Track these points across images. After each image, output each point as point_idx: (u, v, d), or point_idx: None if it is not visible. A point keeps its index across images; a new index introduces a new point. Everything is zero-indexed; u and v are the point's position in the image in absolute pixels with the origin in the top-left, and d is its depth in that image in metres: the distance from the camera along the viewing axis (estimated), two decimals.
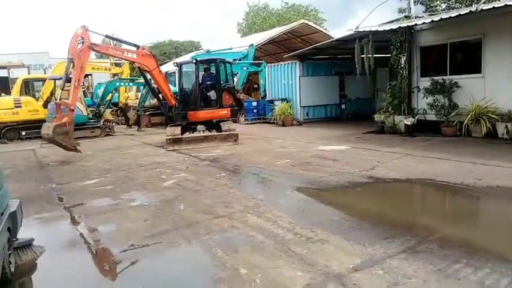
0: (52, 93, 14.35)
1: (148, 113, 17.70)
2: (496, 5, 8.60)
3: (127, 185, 6.65)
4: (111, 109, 18.48)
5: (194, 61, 11.59)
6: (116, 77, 17.69)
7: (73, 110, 9.33)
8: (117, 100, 18.75)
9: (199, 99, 11.33)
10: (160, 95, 11.56)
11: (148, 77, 11.44)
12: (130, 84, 18.43)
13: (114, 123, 16.59)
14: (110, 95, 16.48)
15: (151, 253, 3.84)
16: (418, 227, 4.20)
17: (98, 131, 14.52)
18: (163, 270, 3.54)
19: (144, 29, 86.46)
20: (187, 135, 11.12)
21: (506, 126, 9.06)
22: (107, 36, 11.00)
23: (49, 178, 7.56)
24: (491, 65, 9.76)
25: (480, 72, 10.02)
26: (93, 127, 14.55)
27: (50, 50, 41.69)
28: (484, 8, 8.48)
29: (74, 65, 9.45)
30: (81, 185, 6.84)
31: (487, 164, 6.75)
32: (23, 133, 14.28)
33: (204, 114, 11.38)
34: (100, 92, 18.49)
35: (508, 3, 8.28)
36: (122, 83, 17.32)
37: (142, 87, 17.34)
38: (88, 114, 14.63)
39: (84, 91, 16.62)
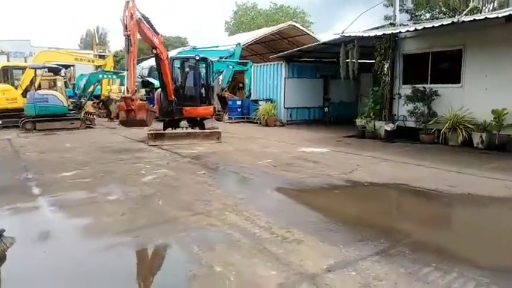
0: (32, 82, 13.99)
1: None
2: (476, 18, 8.89)
3: (105, 178, 6.55)
4: (92, 101, 18.16)
5: (197, 57, 11.70)
6: (99, 69, 17.37)
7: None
8: (99, 92, 18.43)
9: (198, 96, 11.51)
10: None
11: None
12: (114, 77, 18.17)
13: (95, 116, 16.30)
14: (92, 87, 16.18)
15: (126, 248, 3.80)
16: (392, 230, 4.30)
17: (78, 123, 14.25)
18: (138, 266, 3.51)
19: None
20: (169, 131, 11.04)
21: (481, 136, 9.36)
22: (142, 16, 9.96)
23: (25, 168, 7.38)
24: (470, 75, 10.06)
25: (459, 82, 10.31)
26: (73, 119, 14.26)
27: (31, 38, 40.63)
28: (466, 19, 8.75)
29: (130, 43, 8.97)
30: (57, 176, 6.70)
31: (461, 172, 6.96)
32: (0, 122, 13.87)
33: (204, 110, 11.55)
34: (82, 83, 18.14)
35: (488, 16, 8.58)
36: (105, 76, 17.04)
37: (125, 80, 17.11)
38: (68, 105, 14.33)
39: (65, 81, 16.28)
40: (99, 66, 18.12)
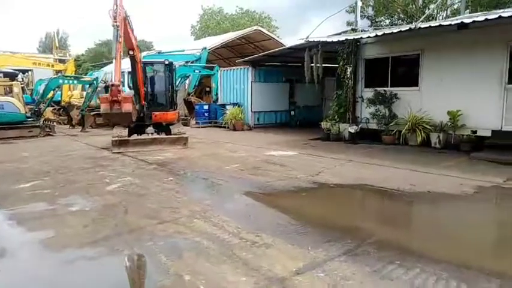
0: None
1: (93, 113, 16.92)
2: (432, 24, 9.35)
3: (67, 188, 6.29)
4: (52, 107, 17.43)
5: (166, 62, 11.67)
6: (59, 74, 16.69)
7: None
8: (59, 98, 17.71)
9: (167, 101, 11.48)
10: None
11: None
12: (75, 82, 17.52)
13: (55, 123, 15.62)
14: (52, 92, 15.50)
15: (89, 260, 3.67)
16: (358, 230, 4.42)
17: (36, 131, 13.60)
18: (104, 278, 3.40)
19: (93, 25, 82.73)
20: (134, 137, 10.79)
21: (439, 136, 9.83)
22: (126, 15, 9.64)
23: None
24: (427, 78, 10.56)
25: (417, 86, 10.79)
26: (31, 126, 13.60)
27: None
28: (422, 26, 9.18)
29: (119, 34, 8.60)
30: (14, 188, 6.36)
31: (420, 171, 7.28)
32: None
33: (171, 115, 11.49)
34: (41, 89, 17.36)
35: (443, 23, 9.05)
36: (66, 81, 16.38)
37: (87, 85, 16.57)
38: (26, 112, 13.67)
39: (22, 87, 15.52)
40: (59, 71, 17.40)
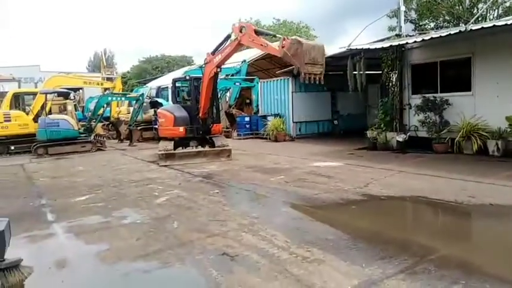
0: (43, 107, 14.19)
1: (140, 127, 17.62)
2: (484, 25, 8.83)
3: (118, 202, 6.53)
4: (102, 123, 18.34)
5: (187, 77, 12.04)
6: (107, 91, 17.59)
7: None
8: (108, 114, 18.63)
9: (216, 113, 11.71)
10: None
11: None
12: (123, 98, 18.37)
13: (105, 138, 16.42)
14: (102, 109, 16.36)
15: (144, 274, 3.74)
16: (415, 246, 4.17)
17: (89, 146, 14.34)
18: None
19: (136, 43, 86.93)
20: (180, 150, 11.05)
21: (497, 144, 9.19)
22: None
23: (38, 194, 7.40)
24: (481, 83, 9.96)
25: (470, 90, 10.20)
26: (84, 142, 14.37)
27: (40, 63, 41.56)
28: (473, 28, 8.70)
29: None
30: (71, 201, 6.69)
31: (479, 182, 6.80)
32: (12, 147, 14.04)
33: (219, 127, 11.88)
34: (91, 106, 18.36)
35: (497, 23, 8.52)
36: (114, 98, 17.23)
37: (134, 101, 17.30)
38: (79, 128, 14.48)
39: (75, 105, 16.50)
40: (108, 89, 18.33)
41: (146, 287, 3.51)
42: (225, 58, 10.09)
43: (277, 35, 8.97)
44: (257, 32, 8.94)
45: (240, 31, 8.99)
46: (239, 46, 9.70)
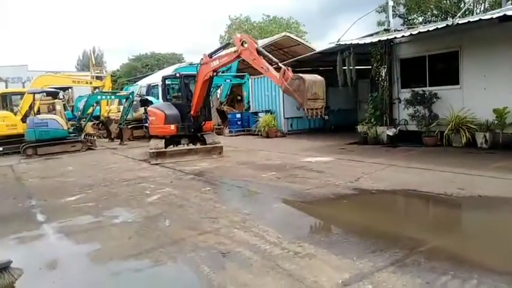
0: (31, 107, 14.00)
1: (130, 126, 17.49)
2: (471, 19, 8.92)
3: (109, 201, 6.48)
4: (92, 122, 18.17)
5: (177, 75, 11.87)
6: (97, 90, 17.41)
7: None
8: (98, 113, 18.45)
9: (206, 111, 11.56)
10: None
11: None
12: (112, 97, 18.20)
13: (95, 137, 16.27)
14: (91, 108, 16.20)
15: (135, 272, 3.73)
16: (405, 238, 4.21)
17: (79, 146, 14.19)
18: None
19: (125, 41, 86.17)
20: (171, 148, 11.00)
21: (485, 136, 9.32)
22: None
23: (28, 195, 7.31)
24: (468, 76, 10.07)
25: (458, 84, 10.32)
26: (74, 141, 14.21)
27: (28, 63, 40.95)
28: (460, 22, 8.79)
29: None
30: (61, 202, 6.63)
31: (468, 174, 6.90)
32: (0, 148, 13.83)
33: (210, 124, 11.78)
34: (81, 105, 18.16)
35: (483, 17, 8.61)
36: (104, 96, 17.06)
37: (124, 100, 17.16)
38: (68, 128, 14.32)
39: (64, 104, 16.30)
40: (97, 87, 18.13)
41: (138, 285, 3.49)
42: (222, 66, 10.06)
43: (280, 64, 8.65)
44: (259, 52, 8.67)
45: (242, 44, 8.78)
46: (238, 58, 9.60)
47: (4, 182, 8.95)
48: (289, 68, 8.25)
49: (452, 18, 9.81)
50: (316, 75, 8.21)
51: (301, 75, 7.97)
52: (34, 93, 13.94)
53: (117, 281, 3.61)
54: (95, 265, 3.98)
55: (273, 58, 8.82)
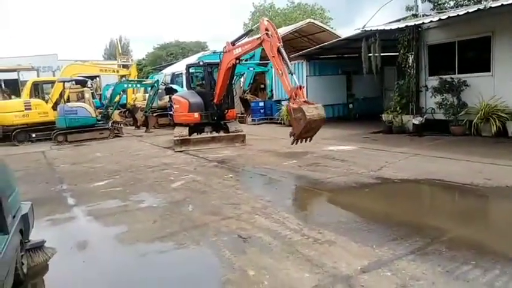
0: (61, 95, 14.51)
1: (155, 114, 17.83)
2: (504, 2, 8.49)
3: (136, 186, 6.71)
4: (119, 110, 18.64)
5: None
6: (123, 79, 17.81)
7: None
8: (125, 101, 18.90)
9: (230, 99, 11.67)
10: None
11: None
12: (138, 85, 18.58)
13: (122, 125, 16.71)
14: (118, 96, 16.60)
15: (160, 254, 3.89)
16: (427, 228, 4.18)
17: (106, 133, 14.63)
18: (173, 272, 3.58)
19: (150, 30, 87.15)
20: (195, 136, 11.19)
21: None
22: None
23: (59, 180, 7.66)
24: (501, 63, 9.66)
25: (489, 71, 9.92)
26: (101, 129, 14.66)
27: (58, 52, 42.19)
28: (493, 5, 8.40)
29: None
30: (91, 186, 6.92)
31: (497, 164, 6.69)
32: (33, 135, 14.44)
33: (233, 112, 11.94)
34: (108, 93, 18.63)
35: None
36: (130, 85, 17.44)
37: (149, 88, 17.48)
38: (97, 116, 14.77)
39: (92, 93, 16.77)
40: (124, 76, 18.54)
41: (163, 266, 3.65)
42: (245, 53, 10.07)
43: (292, 72, 8.64)
44: (279, 52, 8.59)
45: (266, 32, 8.72)
46: (260, 46, 9.54)
47: (37, 167, 9.39)
48: (302, 87, 8.13)
49: (485, 2, 9.37)
50: (320, 112, 7.62)
51: (304, 109, 7.40)
52: (64, 82, 14.42)
53: (143, 261, 3.77)
54: (122, 246, 4.18)
55: (290, 65, 8.69)
